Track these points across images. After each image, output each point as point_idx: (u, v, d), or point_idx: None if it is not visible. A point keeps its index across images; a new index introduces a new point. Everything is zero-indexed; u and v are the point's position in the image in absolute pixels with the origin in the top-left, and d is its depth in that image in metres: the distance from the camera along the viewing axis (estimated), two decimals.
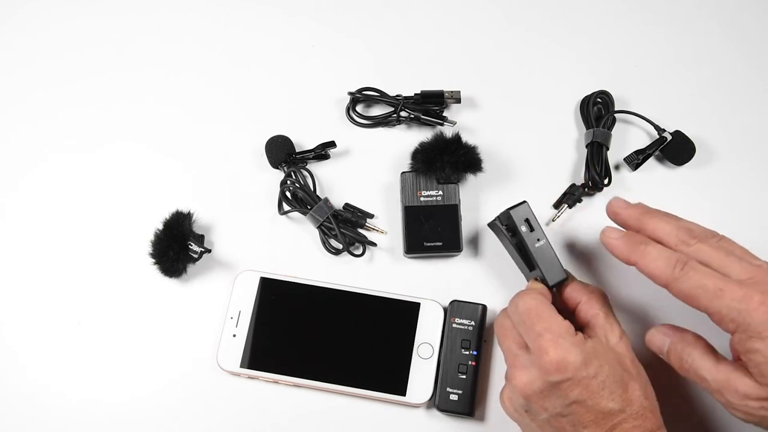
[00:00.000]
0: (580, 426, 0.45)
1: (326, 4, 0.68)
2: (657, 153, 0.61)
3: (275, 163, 0.61)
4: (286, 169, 0.60)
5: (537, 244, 0.51)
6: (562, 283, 0.51)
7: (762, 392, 0.42)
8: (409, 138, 0.62)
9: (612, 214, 0.51)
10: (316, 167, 0.62)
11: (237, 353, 0.55)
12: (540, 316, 0.47)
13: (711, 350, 0.46)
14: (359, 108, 0.63)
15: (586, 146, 0.61)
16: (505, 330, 0.49)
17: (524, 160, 0.62)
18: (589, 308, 0.49)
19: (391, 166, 0.62)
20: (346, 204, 0.60)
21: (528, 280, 0.54)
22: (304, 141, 0.62)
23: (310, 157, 0.61)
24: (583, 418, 0.45)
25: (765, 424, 0.44)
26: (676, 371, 0.47)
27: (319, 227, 0.58)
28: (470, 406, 0.53)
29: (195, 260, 0.57)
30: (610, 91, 0.63)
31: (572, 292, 0.51)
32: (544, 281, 0.51)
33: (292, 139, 0.61)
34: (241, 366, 0.55)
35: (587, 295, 0.50)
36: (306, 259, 0.59)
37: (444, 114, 0.62)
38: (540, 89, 0.65)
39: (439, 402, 0.53)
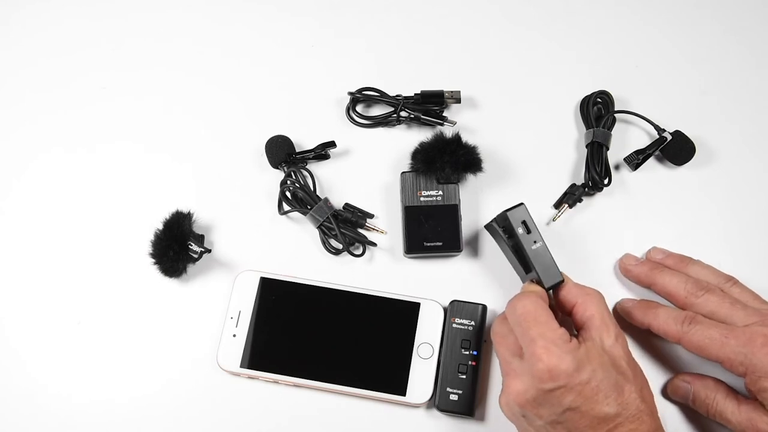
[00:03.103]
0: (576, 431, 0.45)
1: (326, 4, 0.68)
2: (657, 153, 0.61)
3: (275, 163, 0.61)
4: (286, 169, 0.60)
5: (534, 246, 0.51)
6: (558, 285, 0.52)
7: None
8: (409, 138, 0.62)
9: (624, 270, 0.57)
10: (316, 167, 0.62)
11: (237, 353, 0.55)
12: (536, 321, 0.47)
13: (732, 393, 0.49)
14: (359, 108, 0.63)
15: (586, 146, 0.61)
16: (500, 337, 0.50)
17: (524, 160, 0.62)
18: (584, 310, 0.49)
19: (391, 166, 0.62)
20: (346, 204, 0.60)
21: (523, 282, 0.54)
22: (304, 141, 0.62)
23: (310, 157, 0.61)
24: (578, 424, 0.45)
25: None
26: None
27: (319, 227, 0.58)
28: (470, 406, 0.53)
29: (195, 260, 0.57)
30: (610, 91, 0.63)
31: (567, 294, 0.51)
32: (540, 283, 0.51)
33: (292, 139, 0.61)
34: (241, 366, 0.55)
35: (582, 297, 0.50)
36: (306, 259, 0.59)
37: (444, 114, 0.62)
38: (540, 89, 0.65)
39: (439, 402, 0.53)
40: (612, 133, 0.61)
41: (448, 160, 0.57)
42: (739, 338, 0.47)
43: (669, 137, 0.60)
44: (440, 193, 0.58)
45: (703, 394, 0.50)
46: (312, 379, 0.54)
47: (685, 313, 0.50)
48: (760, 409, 0.47)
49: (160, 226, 0.57)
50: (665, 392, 0.54)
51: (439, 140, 0.58)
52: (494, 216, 0.54)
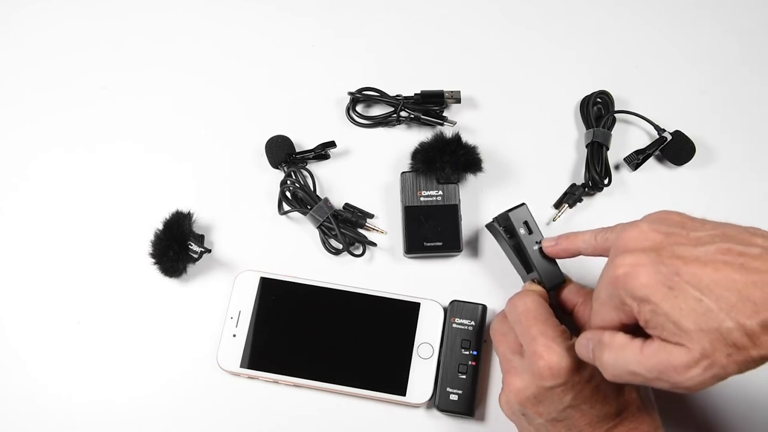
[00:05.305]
0: (576, 430, 0.45)
1: (326, 4, 0.68)
2: (657, 153, 0.61)
3: (275, 163, 0.61)
4: (286, 169, 0.60)
5: (535, 247, 0.51)
6: (560, 285, 0.52)
7: (694, 355, 0.35)
8: (409, 138, 0.62)
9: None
10: (316, 167, 0.62)
11: (237, 353, 0.55)
12: (537, 319, 0.47)
13: (629, 339, 0.39)
14: (359, 108, 0.63)
15: (586, 146, 0.61)
16: (500, 335, 0.50)
17: (524, 159, 0.62)
18: (585, 310, 0.49)
19: (391, 166, 0.62)
20: (346, 204, 0.60)
21: (524, 282, 0.54)
22: (304, 141, 0.62)
23: (310, 157, 0.61)
24: (578, 423, 0.45)
25: (713, 382, 0.37)
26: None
27: (319, 227, 0.58)
28: (470, 406, 0.53)
29: (195, 260, 0.57)
30: (610, 91, 0.63)
31: (569, 294, 0.51)
32: (541, 283, 0.51)
33: (292, 139, 0.61)
34: (241, 366, 0.55)
35: (584, 297, 0.50)
36: (306, 259, 0.59)
37: (444, 114, 0.62)
38: (540, 89, 0.65)
39: (439, 402, 0.53)
40: (612, 133, 0.61)
41: (448, 160, 0.57)
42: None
43: (669, 137, 0.60)
44: (440, 193, 0.58)
45: (597, 350, 0.41)
46: (312, 379, 0.54)
47: (596, 230, 0.47)
48: (668, 345, 0.37)
49: (160, 226, 0.57)
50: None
51: (439, 140, 0.58)
52: (494, 216, 0.54)
